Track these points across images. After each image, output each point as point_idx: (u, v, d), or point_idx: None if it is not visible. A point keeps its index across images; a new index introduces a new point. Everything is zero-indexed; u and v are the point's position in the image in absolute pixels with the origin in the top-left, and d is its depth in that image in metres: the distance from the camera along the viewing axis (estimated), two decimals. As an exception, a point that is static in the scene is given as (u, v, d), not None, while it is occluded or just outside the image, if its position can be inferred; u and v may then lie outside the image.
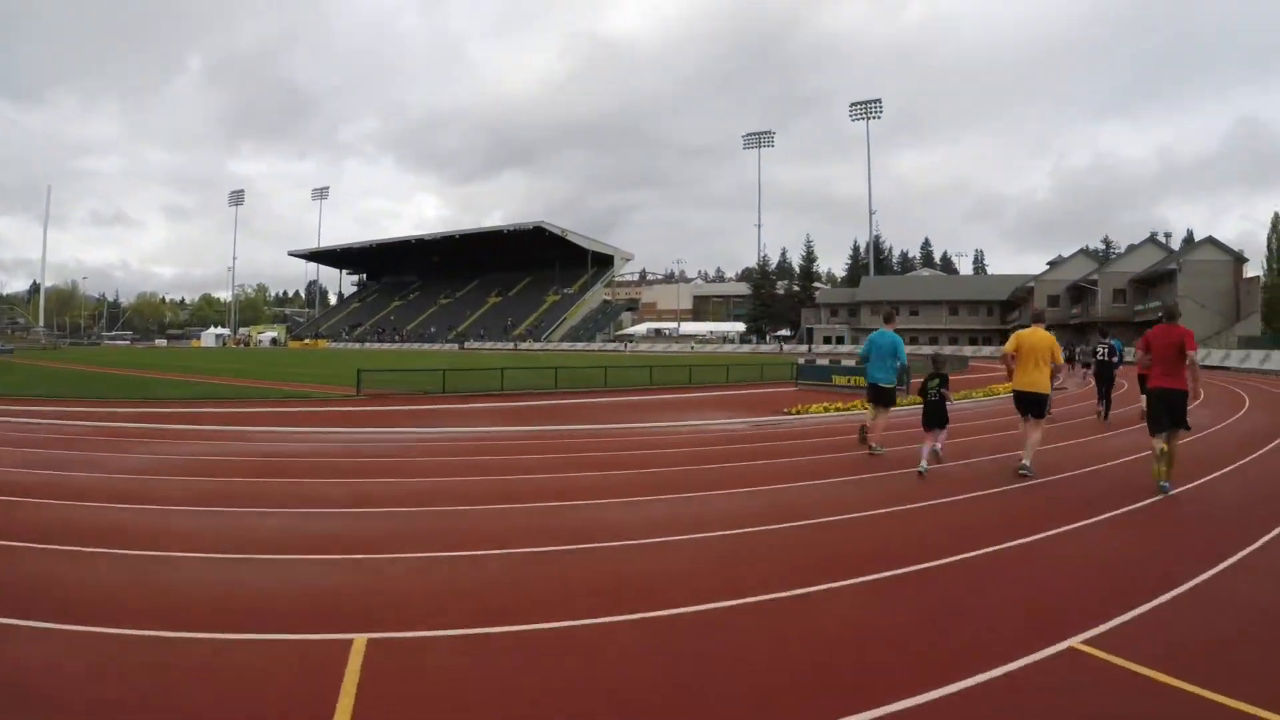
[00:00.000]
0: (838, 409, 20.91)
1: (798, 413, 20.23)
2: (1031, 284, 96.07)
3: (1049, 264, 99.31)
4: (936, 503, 9.06)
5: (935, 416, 11.25)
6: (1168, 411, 9.37)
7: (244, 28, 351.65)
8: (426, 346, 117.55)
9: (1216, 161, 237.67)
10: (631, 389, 28.43)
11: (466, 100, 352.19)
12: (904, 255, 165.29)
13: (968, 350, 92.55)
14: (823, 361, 33.96)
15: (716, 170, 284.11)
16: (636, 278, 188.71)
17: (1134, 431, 15.88)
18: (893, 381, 13.24)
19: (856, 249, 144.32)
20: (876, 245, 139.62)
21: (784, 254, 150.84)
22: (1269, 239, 72.91)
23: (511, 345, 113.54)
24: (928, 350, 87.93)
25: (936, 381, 11.37)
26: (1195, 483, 10.23)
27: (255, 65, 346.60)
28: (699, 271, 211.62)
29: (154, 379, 32.60)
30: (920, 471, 10.68)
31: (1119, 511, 8.56)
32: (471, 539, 7.33)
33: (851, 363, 31.20)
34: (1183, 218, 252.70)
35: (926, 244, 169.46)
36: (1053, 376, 10.70)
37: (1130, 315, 78.18)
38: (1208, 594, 5.79)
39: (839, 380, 29.07)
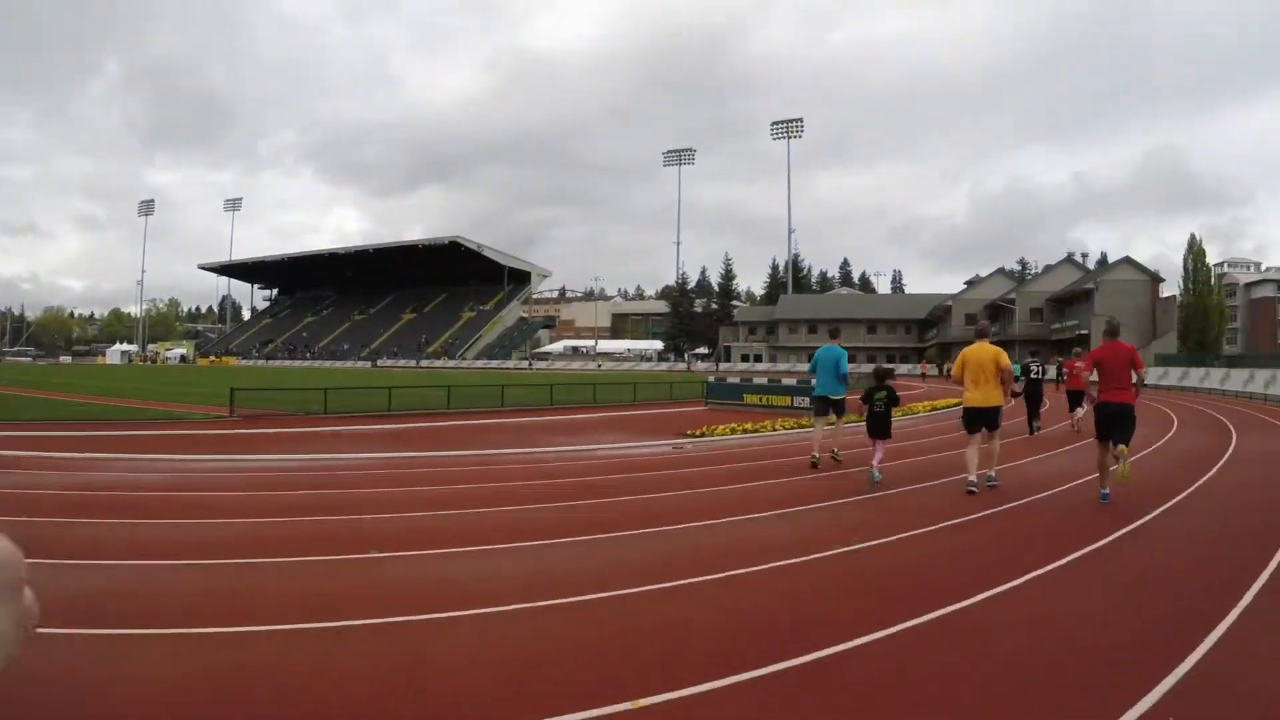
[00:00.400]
0: (746, 430, 19.52)
1: (701, 435, 18.83)
2: (949, 303, 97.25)
3: (966, 283, 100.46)
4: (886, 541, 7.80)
5: (879, 426, 11.63)
6: (1113, 422, 9.82)
7: (163, 33, 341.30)
8: (338, 364, 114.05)
9: (1129, 188, 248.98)
10: (530, 409, 27.07)
11: (389, 113, 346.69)
12: (823, 275, 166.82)
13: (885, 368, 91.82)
14: (734, 380, 32.35)
15: (639, 189, 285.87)
16: (556, 295, 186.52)
17: (1071, 450, 15.72)
18: (841, 393, 13.73)
19: (775, 268, 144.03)
20: (795, 264, 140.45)
21: (703, 272, 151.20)
22: (1185, 260, 74.19)
23: (415, 363, 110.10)
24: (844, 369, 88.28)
25: (883, 394, 11.69)
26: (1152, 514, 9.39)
27: (174, 72, 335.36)
28: (619, 289, 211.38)
29: (25, 397, 29.63)
30: (873, 480, 11.01)
31: (1094, 545, 7.40)
32: (228, 611, 5.51)
33: (763, 380, 29.91)
34: (1097, 241, 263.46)
35: (845, 264, 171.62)
36: (1006, 386, 10.82)
37: (1047, 334, 79.07)
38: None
39: (751, 399, 27.83)
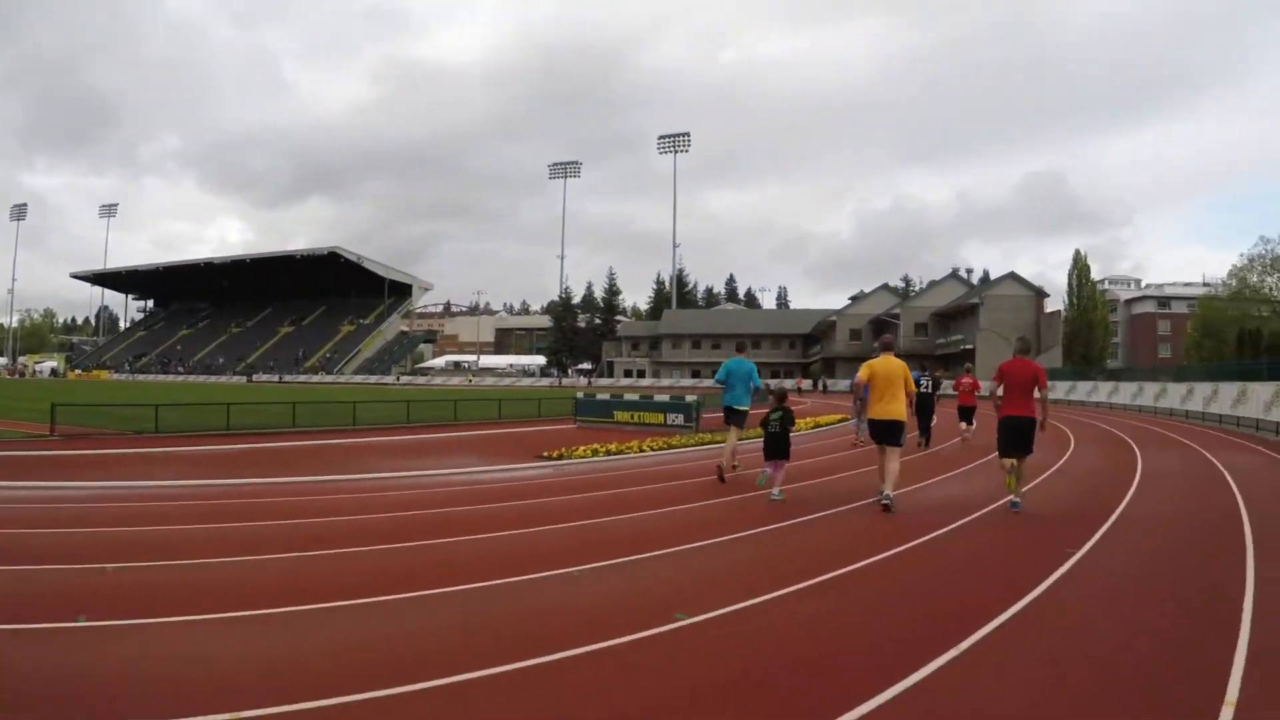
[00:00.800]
0: (609, 451, 17.64)
1: (559, 457, 16.90)
2: (834, 318, 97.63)
3: (851, 299, 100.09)
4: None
5: (777, 448, 11.42)
6: (1018, 436, 10.31)
7: (43, 31, 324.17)
8: (212, 379, 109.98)
9: (1011, 209, 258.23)
10: (382, 428, 24.94)
11: (276, 121, 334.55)
12: (709, 291, 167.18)
13: (770, 383, 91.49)
14: (604, 396, 30.23)
15: (528, 203, 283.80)
16: (441, 309, 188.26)
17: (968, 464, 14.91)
18: (748, 405, 13.97)
19: (660, 282, 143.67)
20: (680, 279, 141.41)
21: (589, 288, 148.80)
22: (1070, 275, 75.94)
23: (277, 378, 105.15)
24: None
25: (779, 414, 11.57)
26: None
27: (54, 72, 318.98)
28: (505, 304, 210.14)
29: None
30: (772, 498, 10.95)
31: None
32: None
33: (635, 396, 28.14)
34: (981, 259, 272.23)
35: (731, 280, 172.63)
36: (910, 400, 10.89)
37: (931, 348, 79.60)
38: None
39: (622, 417, 26.21)
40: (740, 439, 14.20)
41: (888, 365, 10.85)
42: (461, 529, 8.84)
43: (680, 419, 24.34)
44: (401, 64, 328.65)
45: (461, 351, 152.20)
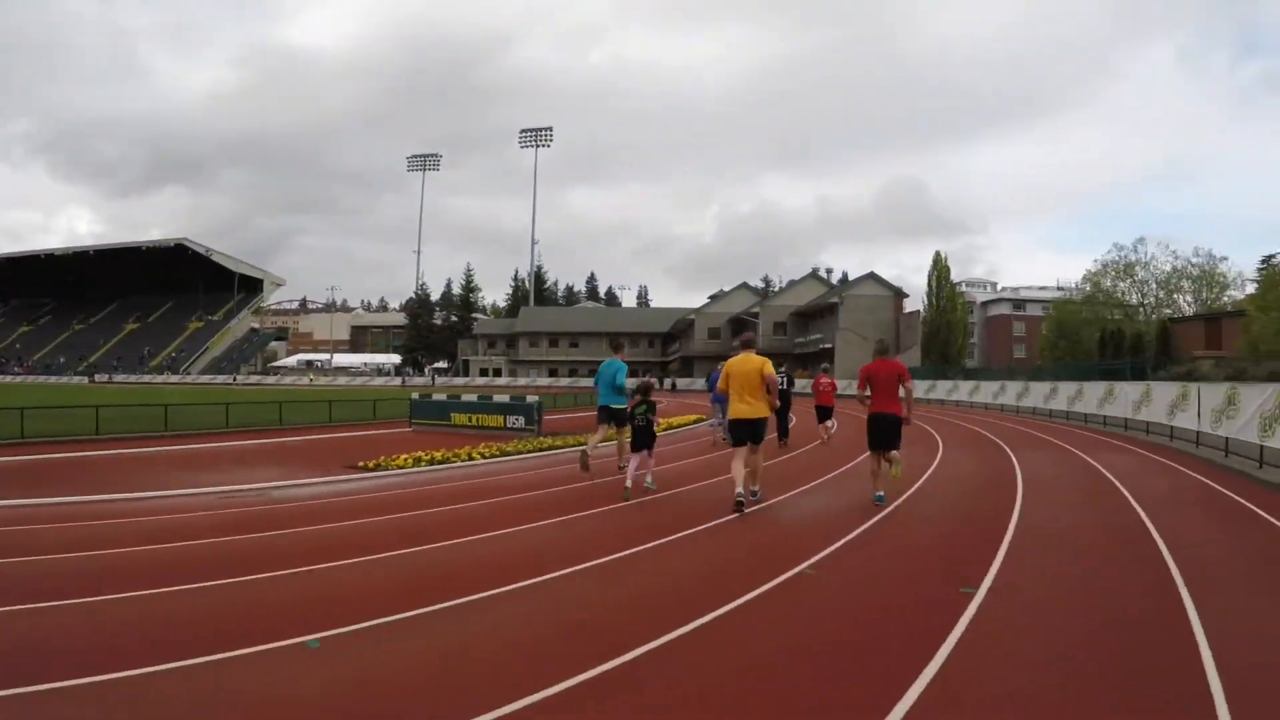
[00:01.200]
0: (434, 460, 15.89)
1: (376, 467, 15.08)
2: (693, 316, 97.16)
3: (710, 297, 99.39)
4: None
5: (644, 438, 12.07)
6: (885, 432, 10.92)
7: None
8: (52, 379, 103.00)
9: (871, 214, 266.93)
10: (200, 434, 22.49)
11: (132, 106, 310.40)
12: (570, 289, 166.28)
13: (630, 383, 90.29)
14: (440, 397, 27.96)
15: (389, 199, 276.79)
16: (296, 306, 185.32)
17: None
18: (621, 404, 14.00)
19: (519, 280, 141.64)
20: (539, 277, 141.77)
21: (449, 285, 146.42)
22: (930, 276, 76.98)
23: (86, 379, 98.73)
24: (585, 383, 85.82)
25: (644, 407, 12.35)
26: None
27: None
28: (363, 301, 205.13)
29: None
30: (648, 485, 11.78)
31: None
32: None
33: (473, 397, 26.57)
34: (841, 263, 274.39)
35: (592, 278, 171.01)
36: (772, 397, 10.57)
37: (791, 348, 79.75)
38: None
39: (459, 419, 24.48)
40: (605, 442, 14.57)
41: (745, 364, 10.68)
42: (194, 571, 6.89)
43: (521, 422, 22.63)
44: (265, 50, 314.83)
45: (316, 350, 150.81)
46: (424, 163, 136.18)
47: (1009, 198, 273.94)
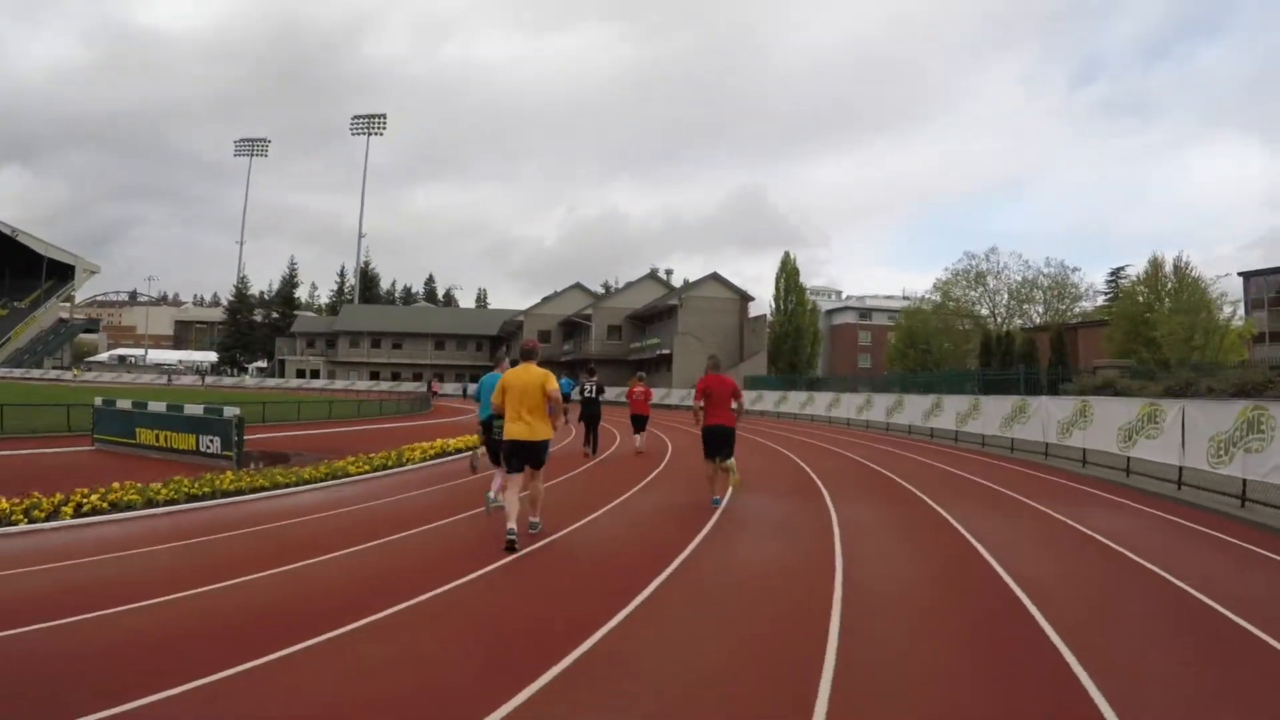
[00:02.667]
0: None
1: None
2: (521, 318, 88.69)
3: (544, 298, 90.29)
4: None
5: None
6: (719, 441, 11.77)
7: None
8: None
9: (715, 224, 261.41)
10: None
11: None
12: (408, 290, 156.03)
13: (449, 388, 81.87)
14: (126, 404, 19.19)
15: (234, 191, 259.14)
16: (125, 298, 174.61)
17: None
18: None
19: (343, 276, 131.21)
20: (367, 275, 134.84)
21: (283, 281, 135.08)
22: (777, 279, 69.96)
23: None
24: (407, 387, 77.05)
25: (500, 421, 10.73)
26: None
27: None
28: (195, 296, 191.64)
29: None
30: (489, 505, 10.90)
31: None
32: None
33: (162, 406, 18.65)
34: (686, 271, 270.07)
35: (431, 280, 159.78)
36: (556, 416, 9.54)
37: (625, 353, 71.89)
38: None
39: (146, 437, 17.79)
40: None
41: (523, 377, 9.37)
42: None
43: (216, 445, 15.96)
44: (116, 27, 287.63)
45: (138, 344, 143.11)
46: (252, 147, 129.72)
47: (851, 211, 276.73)
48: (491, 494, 10.73)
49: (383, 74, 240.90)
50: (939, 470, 17.60)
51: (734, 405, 11.78)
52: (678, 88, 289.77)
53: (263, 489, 12.31)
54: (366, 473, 14.75)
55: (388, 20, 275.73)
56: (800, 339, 67.27)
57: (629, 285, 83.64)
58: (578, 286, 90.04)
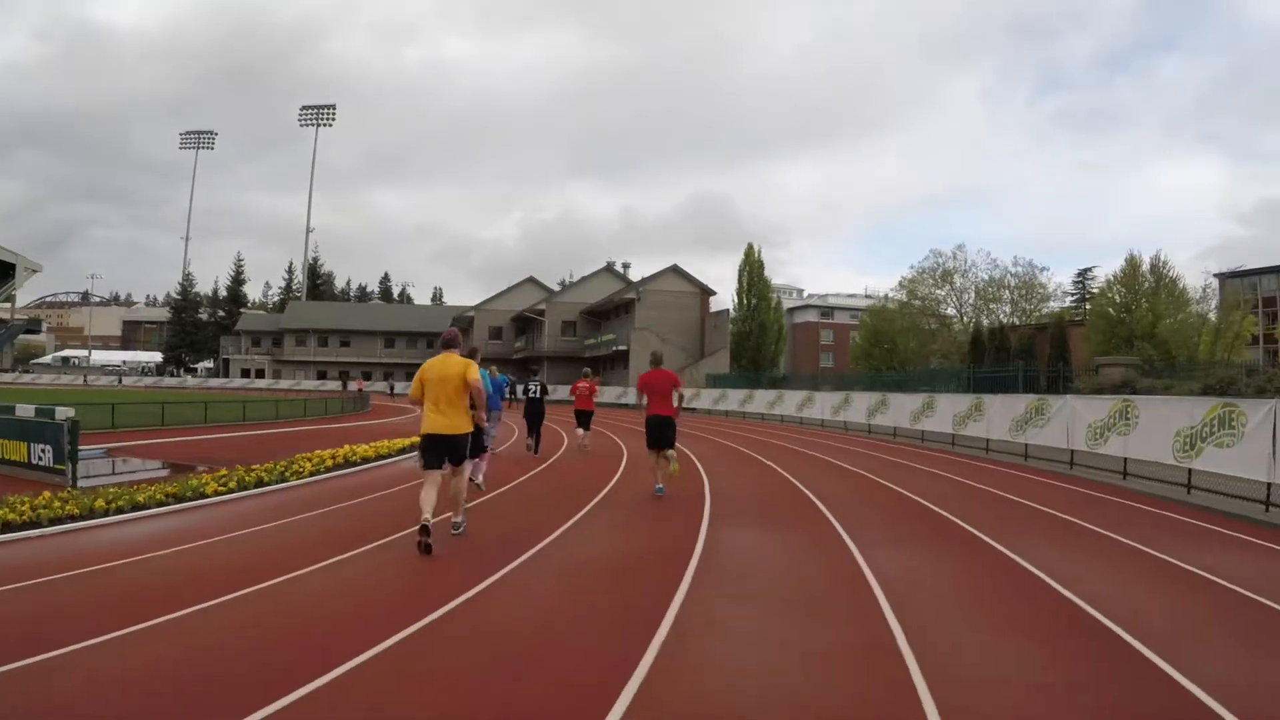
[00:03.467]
0: None
1: None
2: (472, 314, 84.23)
3: (496, 294, 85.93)
4: None
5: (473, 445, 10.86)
6: (662, 431, 12.16)
7: None
8: None
9: (675, 225, 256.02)
10: None
11: None
12: (362, 289, 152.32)
13: (399, 386, 78.14)
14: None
15: (196, 191, 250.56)
16: (77, 298, 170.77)
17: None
18: (498, 409, 14.34)
19: (291, 273, 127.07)
20: (314, 270, 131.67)
21: (230, 278, 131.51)
22: (740, 272, 65.88)
23: None
24: (354, 387, 73.18)
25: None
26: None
27: None
28: (148, 296, 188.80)
29: None
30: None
31: None
32: None
33: (65, 412, 14.09)
34: (645, 268, 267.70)
35: (386, 278, 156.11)
36: (479, 409, 8.87)
37: (580, 349, 68.00)
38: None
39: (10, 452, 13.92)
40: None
41: (443, 366, 8.61)
42: None
43: (49, 455, 12.71)
44: (71, 23, 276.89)
45: (86, 344, 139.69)
46: (198, 140, 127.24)
47: (811, 216, 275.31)
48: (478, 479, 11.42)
49: (340, 75, 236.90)
50: (965, 487, 14.22)
51: (675, 398, 12.32)
52: (637, 91, 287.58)
53: (77, 517, 9.06)
54: (232, 492, 11.26)
55: (345, 22, 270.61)
56: (764, 336, 63.22)
57: (584, 279, 79.13)
58: (531, 281, 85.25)
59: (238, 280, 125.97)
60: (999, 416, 20.21)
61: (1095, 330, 53.33)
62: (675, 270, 64.85)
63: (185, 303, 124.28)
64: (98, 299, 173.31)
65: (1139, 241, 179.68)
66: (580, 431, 19.73)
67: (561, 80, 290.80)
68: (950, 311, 73.47)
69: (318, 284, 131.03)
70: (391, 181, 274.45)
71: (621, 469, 15.91)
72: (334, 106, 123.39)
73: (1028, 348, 42.95)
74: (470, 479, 10.74)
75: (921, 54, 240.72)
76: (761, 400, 38.28)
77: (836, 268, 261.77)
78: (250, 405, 30.90)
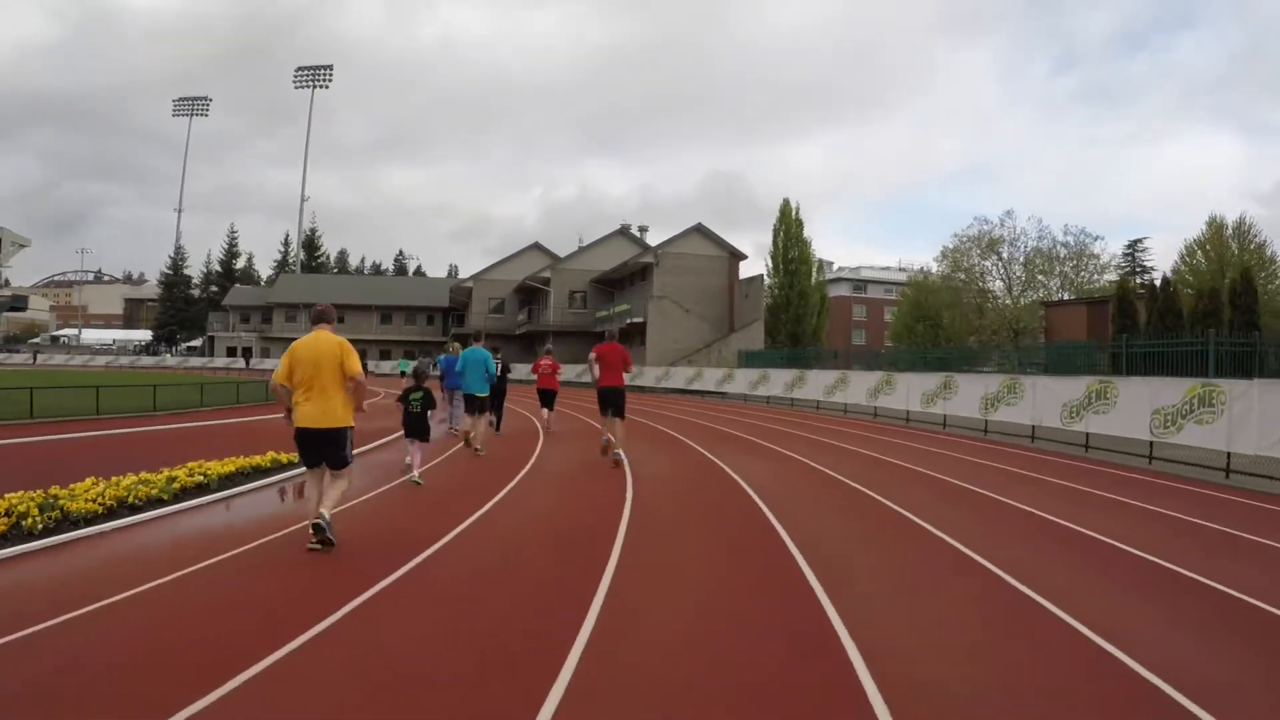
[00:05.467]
0: None
1: None
2: (470, 284, 75.34)
3: (496, 261, 76.76)
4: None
5: (416, 427, 11.23)
6: (614, 399, 12.96)
7: None
8: None
9: (692, 203, 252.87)
10: None
11: None
12: (376, 266, 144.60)
13: (385, 366, 70.01)
14: None
15: (206, 169, 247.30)
16: (91, 277, 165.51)
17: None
18: (486, 390, 14.69)
19: (288, 244, 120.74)
20: (312, 243, 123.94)
21: (224, 251, 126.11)
22: (775, 232, 56.30)
23: None
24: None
25: (420, 395, 11.29)
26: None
27: None
28: (161, 274, 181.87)
29: None
30: (414, 481, 10.71)
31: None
32: None
33: None
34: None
35: (401, 255, 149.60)
36: (357, 396, 7.55)
37: (590, 323, 60.19)
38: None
39: None
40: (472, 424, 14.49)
41: (314, 346, 7.31)
42: None
43: None
44: (86, 3, 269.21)
45: (89, 324, 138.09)
46: (191, 107, 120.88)
47: (828, 194, 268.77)
48: (410, 464, 10.91)
49: (352, 51, 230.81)
50: None
51: (626, 376, 13.22)
52: (653, 67, 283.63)
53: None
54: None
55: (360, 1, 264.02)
56: (805, 306, 54.82)
57: (594, 244, 68.64)
58: (536, 248, 75.77)
59: (231, 253, 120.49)
60: (1273, 417, 12.26)
61: (1186, 298, 44.23)
62: (700, 231, 55.64)
63: (176, 278, 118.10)
64: (107, 277, 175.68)
65: (1155, 221, 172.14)
66: (546, 412, 19.12)
67: (580, 56, 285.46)
68: (997, 285, 66.84)
69: (315, 257, 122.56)
70: (406, 159, 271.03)
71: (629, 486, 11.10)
72: (331, 67, 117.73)
73: (1212, 310, 32.60)
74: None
75: (936, 30, 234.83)
76: (817, 384, 30.07)
77: (852, 244, 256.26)
78: (168, 390, 23.80)
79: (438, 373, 18.16)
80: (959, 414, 21.45)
